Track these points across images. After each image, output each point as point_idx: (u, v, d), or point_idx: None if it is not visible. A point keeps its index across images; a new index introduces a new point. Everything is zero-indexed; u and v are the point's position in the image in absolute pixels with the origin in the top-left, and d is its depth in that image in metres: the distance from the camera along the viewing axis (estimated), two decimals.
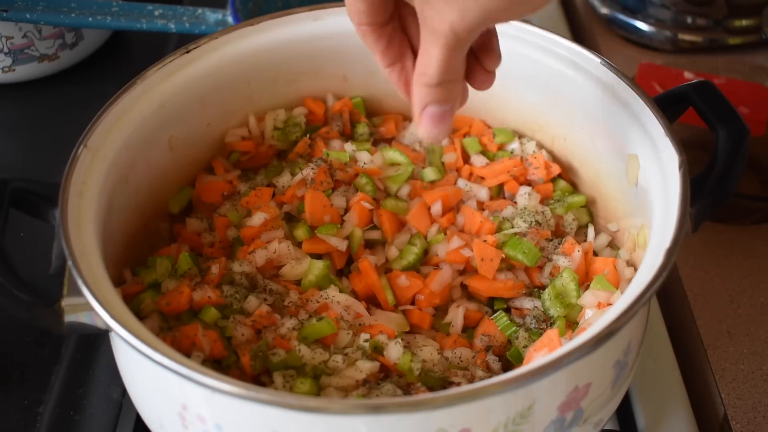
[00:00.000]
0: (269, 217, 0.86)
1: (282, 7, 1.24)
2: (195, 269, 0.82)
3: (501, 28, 0.90)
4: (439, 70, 0.64)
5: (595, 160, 0.89)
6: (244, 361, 0.74)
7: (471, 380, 0.77)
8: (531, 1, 0.60)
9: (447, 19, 0.60)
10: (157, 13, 1.15)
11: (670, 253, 0.67)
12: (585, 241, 0.88)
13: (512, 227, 0.88)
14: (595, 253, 0.87)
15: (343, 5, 0.92)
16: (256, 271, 0.83)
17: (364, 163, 0.92)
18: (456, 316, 0.84)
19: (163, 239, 0.90)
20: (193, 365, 0.62)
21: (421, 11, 0.62)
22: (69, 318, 0.70)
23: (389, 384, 0.74)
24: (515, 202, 0.91)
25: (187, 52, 0.87)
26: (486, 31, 0.68)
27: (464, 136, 0.98)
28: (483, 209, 0.92)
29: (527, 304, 0.85)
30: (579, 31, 1.50)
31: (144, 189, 0.86)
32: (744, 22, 1.34)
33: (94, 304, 0.65)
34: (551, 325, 0.82)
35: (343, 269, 0.89)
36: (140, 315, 0.77)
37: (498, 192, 0.94)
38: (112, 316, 0.64)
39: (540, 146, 0.95)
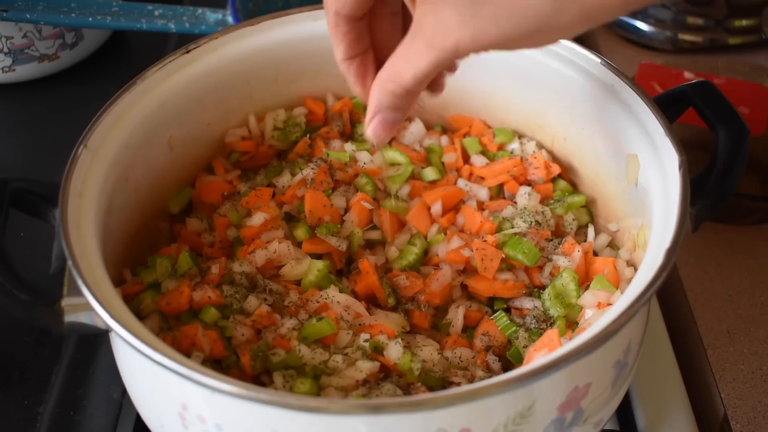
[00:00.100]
0: (269, 217, 0.86)
1: (282, 7, 1.24)
2: (195, 269, 0.82)
3: None
4: (415, 80, 0.62)
5: (595, 160, 0.89)
6: (244, 361, 0.74)
7: (471, 380, 0.77)
8: (552, 33, 0.58)
9: (453, 35, 0.58)
10: (157, 13, 1.15)
11: (670, 253, 0.67)
12: (585, 241, 0.88)
13: (512, 227, 0.88)
14: (595, 253, 0.87)
15: None
16: (256, 271, 0.83)
17: (364, 163, 0.92)
18: (456, 316, 0.84)
19: (163, 239, 0.90)
20: (193, 365, 0.62)
21: (420, 19, 0.60)
22: (69, 318, 0.70)
23: (389, 384, 0.74)
24: (515, 202, 0.91)
25: (187, 52, 0.87)
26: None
27: (464, 136, 0.98)
28: (483, 209, 0.92)
29: (527, 304, 0.85)
30: None
31: (144, 189, 0.86)
32: (744, 22, 1.34)
33: (94, 304, 0.65)
34: (551, 325, 0.82)
35: (343, 269, 0.89)
36: (140, 315, 0.77)
37: (498, 192, 0.94)
38: (112, 316, 0.64)
39: (540, 146, 0.95)
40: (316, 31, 0.93)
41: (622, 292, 0.78)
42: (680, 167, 0.74)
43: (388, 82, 0.64)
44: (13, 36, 1.24)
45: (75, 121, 0.84)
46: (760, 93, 1.13)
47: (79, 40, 1.31)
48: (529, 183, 0.93)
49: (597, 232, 0.89)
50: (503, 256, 0.85)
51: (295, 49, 0.93)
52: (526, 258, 0.85)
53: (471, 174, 0.95)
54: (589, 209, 0.92)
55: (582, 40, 1.45)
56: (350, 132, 0.98)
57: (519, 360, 0.80)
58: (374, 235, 0.90)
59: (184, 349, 0.74)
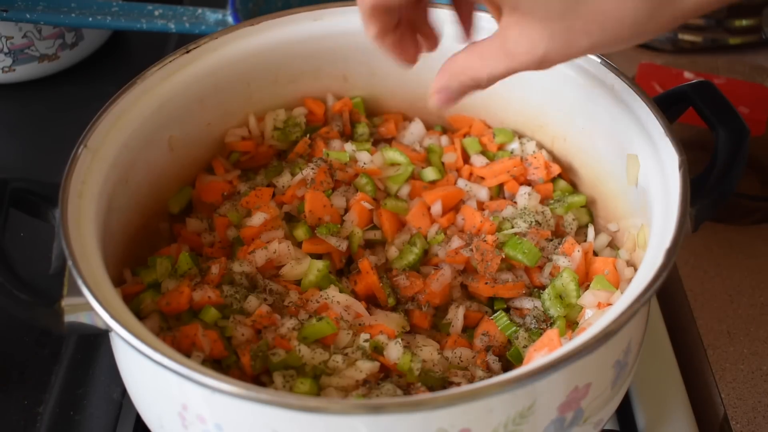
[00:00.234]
0: (269, 217, 0.86)
1: (282, 7, 1.24)
2: (195, 269, 0.82)
3: None
4: (490, 80, 0.65)
5: (595, 160, 0.89)
6: (244, 361, 0.74)
7: (471, 380, 0.77)
8: (644, 36, 0.57)
9: (540, 50, 0.58)
10: (157, 13, 1.15)
11: (670, 253, 0.67)
12: (585, 241, 0.88)
13: (512, 227, 0.88)
14: (595, 253, 0.87)
15: (343, 5, 0.92)
16: (256, 271, 0.83)
17: (364, 163, 0.92)
18: (456, 316, 0.84)
19: (163, 239, 0.90)
20: (193, 365, 0.62)
21: (505, 28, 0.61)
22: (69, 318, 0.70)
23: (389, 384, 0.74)
24: (515, 202, 0.91)
25: (187, 52, 0.87)
26: None
27: (464, 136, 0.98)
28: (483, 209, 0.92)
29: (527, 304, 0.85)
30: None
31: (144, 189, 0.86)
32: (744, 22, 1.34)
33: (94, 304, 0.65)
34: (551, 325, 0.82)
35: (343, 269, 0.89)
36: (140, 315, 0.77)
37: (498, 192, 0.94)
38: (112, 316, 0.64)
39: (540, 146, 0.95)
40: (316, 31, 0.93)
41: (622, 292, 0.78)
42: (680, 167, 0.74)
43: (462, 74, 0.67)
44: (13, 36, 1.24)
45: (75, 121, 0.84)
46: (760, 93, 1.13)
47: (79, 40, 1.31)
48: (529, 183, 0.93)
49: (597, 232, 0.89)
50: (503, 256, 0.85)
51: (295, 49, 0.93)
52: (526, 258, 0.85)
53: (471, 174, 0.95)
54: (589, 209, 0.92)
55: None
56: (350, 132, 0.98)
57: (519, 360, 0.80)
58: (374, 235, 0.90)
59: (184, 349, 0.74)
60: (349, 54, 0.95)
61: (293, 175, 0.91)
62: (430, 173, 0.94)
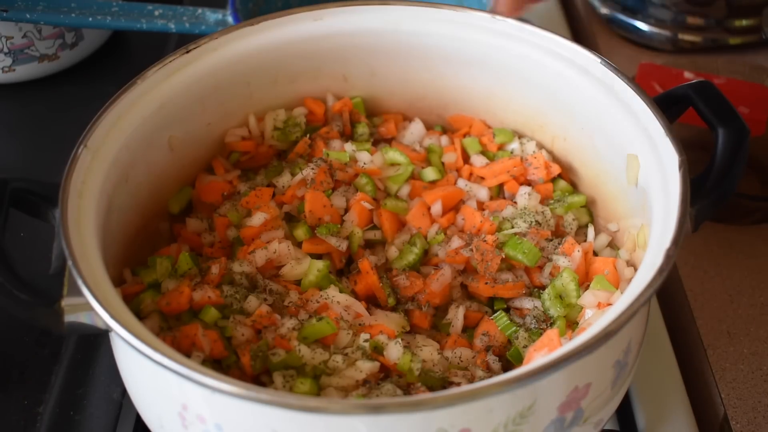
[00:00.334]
0: (269, 217, 0.86)
1: (282, 7, 1.24)
2: (195, 269, 0.82)
3: (500, 28, 0.90)
4: None
5: (595, 160, 0.89)
6: (244, 361, 0.74)
7: (471, 380, 0.77)
8: None
9: None
10: (157, 13, 1.15)
11: (670, 253, 0.67)
12: (585, 241, 0.88)
13: (512, 227, 0.88)
14: (595, 253, 0.87)
15: (343, 5, 0.92)
16: (256, 271, 0.83)
17: (364, 163, 0.92)
18: (456, 316, 0.84)
19: (163, 239, 0.90)
20: (193, 365, 0.62)
21: None
22: (69, 318, 0.70)
23: (389, 384, 0.74)
24: (515, 202, 0.91)
25: (187, 52, 0.87)
26: None
27: (464, 136, 0.98)
28: (483, 209, 0.92)
29: (527, 304, 0.85)
30: (579, 31, 1.50)
31: (144, 189, 0.86)
32: (744, 22, 1.34)
33: (94, 304, 0.65)
34: (551, 325, 0.82)
35: (343, 269, 0.89)
36: (140, 315, 0.77)
37: (498, 192, 0.94)
38: (112, 316, 0.64)
39: (540, 146, 0.95)
40: (316, 31, 0.93)
41: (622, 292, 0.78)
42: (680, 167, 0.74)
43: None
44: (13, 36, 1.24)
45: (75, 121, 0.84)
46: (760, 93, 1.13)
47: (79, 40, 1.31)
48: (529, 183, 0.93)
49: (597, 232, 0.89)
50: (503, 256, 0.85)
51: (295, 49, 0.93)
52: (526, 258, 0.85)
53: (471, 174, 0.95)
54: (589, 209, 0.92)
55: (582, 40, 1.46)
56: (350, 132, 0.98)
57: (519, 360, 0.80)
58: (374, 235, 0.90)
59: (184, 349, 0.74)
60: (349, 54, 0.95)
61: (293, 175, 0.91)
62: (430, 173, 0.94)
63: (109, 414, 0.90)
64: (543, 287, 0.86)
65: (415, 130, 0.99)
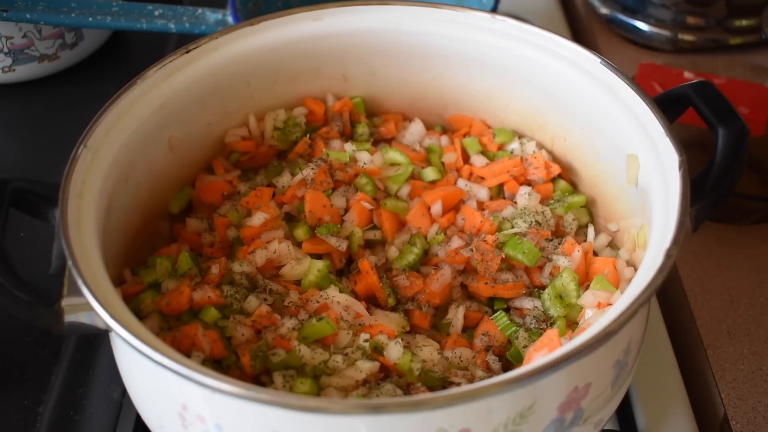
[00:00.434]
0: (269, 217, 0.86)
1: (282, 7, 1.24)
2: (195, 269, 0.82)
3: (500, 28, 0.90)
4: None
5: (595, 160, 0.89)
6: (244, 361, 0.74)
7: (471, 380, 0.77)
8: None
9: None
10: (157, 13, 1.15)
11: (670, 253, 0.67)
12: (585, 241, 0.88)
13: (512, 227, 0.88)
14: (595, 253, 0.87)
15: (343, 5, 0.92)
16: (256, 271, 0.83)
17: (364, 163, 0.92)
18: (456, 316, 0.84)
19: (163, 239, 0.90)
20: (193, 365, 0.62)
21: None
22: (69, 318, 0.70)
23: (389, 384, 0.74)
24: (515, 202, 0.91)
25: (187, 52, 0.87)
26: None
27: (464, 136, 0.98)
28: (483, 209, 0.92)
29: (527, 304, 0.85)
30: (579, 31, 1.50)
31: (144, 189, 0.86)
32: (744, 22, 1.34)
33: (94, 304, 0.65)
34: (551, 325, 0.82)
35: (343, 269, 0.89)
36: (140, 315, 0.77)
37: (498, 192, 0.94)
38: (112, 316, 0.64)
39: (540, 146, 0.95)
40: (316, 31, 0.93)
41: (622, 292, 0.78)
42: (680, 167, 0.74)
43: None
44: (13, 36, 1.23)
45: (75, 121, 0.84)
46: (760, 93, 1.13)
47: (79, 40, 1.31)
48: (529, 183, 0.93)
49: (597, 232, 0.89)
50: (503, 256, 0.85)
51: (295, 49, 0.93)
52: (526, 258, 0.85)
53: (471, 174, 0.95)
54: (589, 209, 0.92)
55: (582, 40, 1.46)
56: (350, 132, 0.98)
57: (519, 360, 0.80)
58: (374, 235, 0.90)
59: (184, 349, 0.74)
60: (349, 54, 0.95)
61: (293, 175, 0.91)
62: (430, 173, 0.94)
63: (109, 414, 0.90)
64: (543, 287, 0.86)
65: (415, 130, 0.99)
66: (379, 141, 0.99)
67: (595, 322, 0.67)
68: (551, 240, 0.88)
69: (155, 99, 0.84)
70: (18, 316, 0.71)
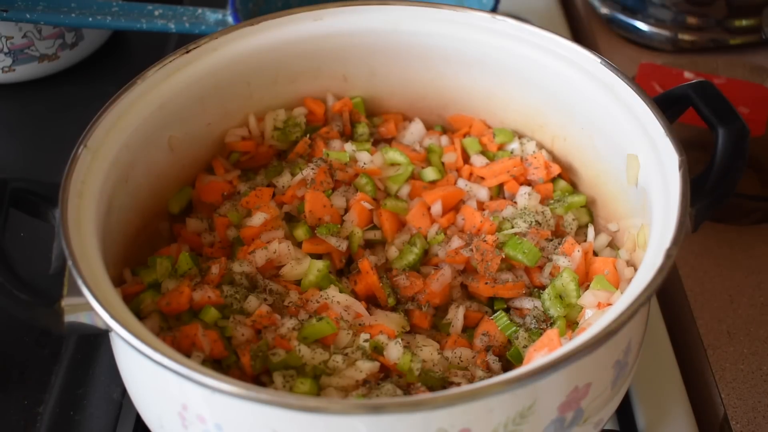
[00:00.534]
0: (269, 217, 0.86)
1: (282, 7, 1.24)
2: (195, 269, 0.82)
3: (501, 28, 0.90)
4: None
5: (595, 160, 0.89)
6: (244, 361, 0.74)
7: (471, 380, 0.77)
8: None
9: None
10: (157, 13, 1.15)
11: (670, 253, 0.67)
12: (585, 241, 0.88)
13: (512, 227, 0.88)
14: (595, 253, 0.87)
15: (343, 5, 0.92)
16: (256, 271, 0.83)
17: (364, 163, 0.92)
18: (456, 316, 0.84)
19: (163, 239, 0.90)
20: (193, 365, 0.62)
21: None
22: (69, 318, 0.70)
23: (389, 384, 0.74)
24: (515, 202, 0.91)
25: (187, 52, 0.87)
26: None
27: (464, 136, 0.98)
28: (483, 209, 0.92)
29: (527, 304, 0.85)
30: (579, 31, 1.50)
31: (144, 189, 0.86)
32: (744, 22, 1.34)
33: (94, 304, 0.65)
34: (551, 325, 0.82)
35: (343, 269, 0.89)
36: (140, 315, 0.77)
37: (498, 192, 0.94)
38: (112, 316, 0.64)
39: (540, 146, 0.95)
40: (316, 31, 0.93)
41: (622, 292, 0.78)
42: (680, 167, 0.74)
43: None
44: (13, 36, 1.23)
45: (75, 121, 0.84)
46: (760, 93, 1.13)
47: (79, 40, 1.31)
48: (529, 183, 0.93)
49: (597, 232, 0.89)
50: (503, 256, 0.85)
51: (295, 49, 0.93)
52: (526, 258, 0.85)
53: (471, 174, 0.95)
54: (589, 209, 0.92)
55: (582, 40, 1.46)
56: (350, 132, 0.98)
57: (519, 360, 0.80)
58: (374, 235, 0.90)
59: (184, 349, 0.74)
60: (349, 54, 0.95)
61: (293, 175, 0.91)
62: (430, 173, 0.94)
63: (109, 414, 0.90)
64: (543, 287, 0.86)
65: (415, 130, 0.99)
66: (379, 141, 0.99)
67: (595, 322, 0.67)
68: (551, 240, 0.88)
69: (155, 99, 0.84)
70: (18, 316, 0.71)
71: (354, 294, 0.85)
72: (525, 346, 0.80)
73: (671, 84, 1.07)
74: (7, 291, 0.69)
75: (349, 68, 0.97)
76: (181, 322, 0.77)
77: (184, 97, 0.87)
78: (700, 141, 1.05)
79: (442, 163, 0.96)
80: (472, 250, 0.86)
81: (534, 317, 0.83)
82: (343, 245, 0.87)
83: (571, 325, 0.81)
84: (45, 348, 0.96)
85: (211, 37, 0.89)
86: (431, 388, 0.76)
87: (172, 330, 0.75)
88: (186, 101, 0.88)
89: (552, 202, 0.91)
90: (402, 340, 0.78)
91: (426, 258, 0.89)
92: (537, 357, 0.73)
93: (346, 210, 0.90)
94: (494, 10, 1.18)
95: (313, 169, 0.89)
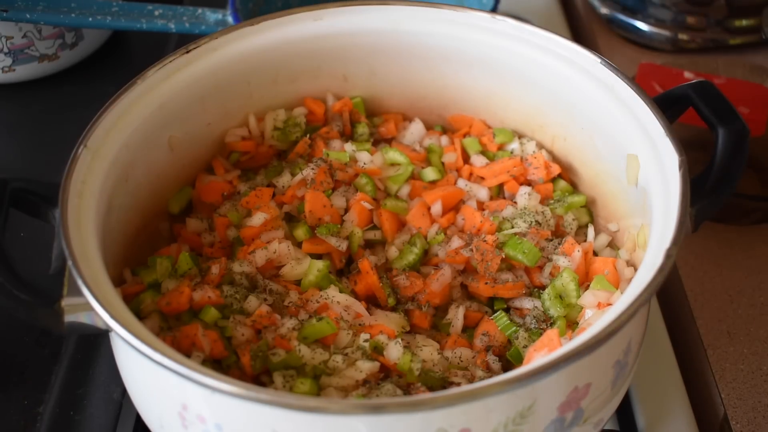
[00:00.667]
0: (269, 217, 0.86)
1: (282, 7, 1.24)
2: (195, 269, 0.82)
3: (501, 28, 0.90)
4: None
5: (595, 160, 0.89)
6: (244, 361, 0.74)
7: (471, 380, 0.77)
8: None
9: None
10: (157, 13, 1.15)
11: (670, 253, 0.67)
12: (585, 241, 0.88)
13: (512, 227, 0.88)
14: (595, 253, 0.87)
15: (343, 5, 0.92)
16: (256, 271, 0.83)
17: (364, 163, 0.92)
18: (456, 316, 0.84)
19: (163, 239, 0.90)
20: (193, 365, 0.62)
21: None
22: (69, 318, 0.70)
23: (389, 384, 0.74)
24: (515, 202, 0.91)
25: (187, 52, 0.87)
26: None
27: (464, 136, 0.98)
28: (483, 209, 0.92)
29: (527, 304, 0.85)
30: (579, 31, 1.50)
31: (144, 189, 0.86)
32: (744, 22, 1.34)
33: (94, 304, 0.65)
34: (551, 325, 0.82)
35: (343, 269, 0.89)
36: (140, 315, 0.77)
37: (498, 192, 0.94)
38: (112, 316, 0.64)
39: (540, 146, 0.95)
40: (316, 31, 0.93)
41: (622, 292, 0.78)
42: (680, 167, 0.74)
43: None
44: (13, 36, 1.23)
45: (75, 121, 0.84)
46: (760, 93, 1.13)
47: (79, 40, 1.31)
48: (529, 183, 0.93)
49: (597, 232, 0.89)
50: (503, 256, 0.85)
51: (295, 49, 0.93)
52: (526, 258, 0.85)
53: (471, 174, 0.95)
54: (589, 209, 0.92)
55: (582, 40, 1.46)
56: (350, 132, 0.98)
57: (519, 360, 0.80)
58: (374, 235, 0.90)
59: (184, 349, 0.74)
60: (349, 54, 0.95)
61: (293, 175, 0.91)
62: (430, 173, 0.94)
63: (109, 414, 0.90)
64: (543, 287, 0.86)
65: (415, 130, 0.99)
66: (379, 141, 0.99)
67: (595, 322, 0.67)
68: (551, 240, 0.88)
69: (155, 99, 0.84)
70: (18, 316, 0.71)
71: (354, 294, 0.85)
72: (525, 346, 0.80)
73: (671, 84, 1.07)
74: (7, 291, 0.69)
75: (349, 68, 0.97)
76: (181, 322, 0.77)
77: (184, 97, 0.87)
78: (700, 141, 1.05)
79: (442, 163, 0.96)
80: (472, 250, 0.86)
81: (534, 317, 0.83)
82: (343, 245, 0.87)
83: (571, 325, 0.81)
84: (45, 348, 0.96)
85: (211, 37, 0.89)
86: (431, 388, 0.76)
87: (172, 330, 0.75)
88: (186, 101, 0.88)
89: (552, 202, 0.91)
90: (402, 340, 0.78)
91: (426, 258, 0.89)
92: (537, 357, 0.73)
93: (346, 210, 0.90)
94: (494, 10, 1.18)
95: (313, 169, 0.89)
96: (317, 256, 0.87)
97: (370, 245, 0.91)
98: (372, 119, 1.00)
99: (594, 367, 0.69)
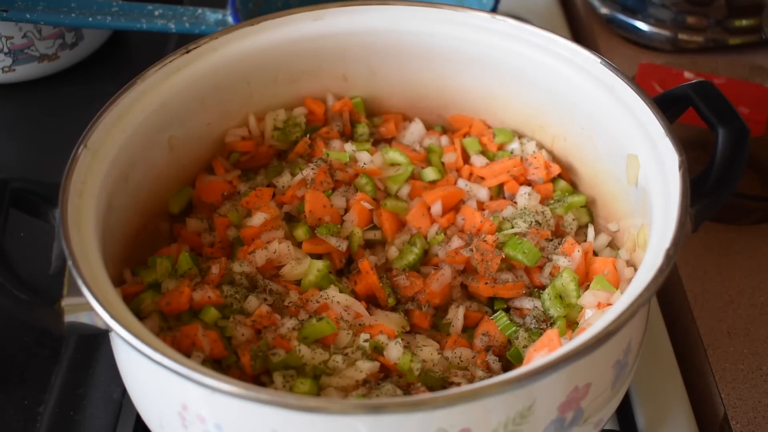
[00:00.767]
0: (269, 217, 0.86)
1: (282, 7, 1.24)
2: (195, 269, 0.82)
3: (500, 28, 0.90)
4: None
5: (595, 160, 0.89)
6: (244, 361, 0.74)
7: (471, 380, 0.77)
8: None
9: None
10: (157, 13, 1.15)
11: (670, 253, 0.67)
12: (585, 241, 0.88)
13: (512, 227, 0.88)
14: (595, 253, 0.87)
15: (343, 5, 0.92)
16: (256, 271, 0.83)
17: (364, 163, 0.92)
18: (456, 316, 0.84)
19: (163, 239, 0.90)
20: (193, 365, 0.62)
21: None
22: (69, 318, 0.70)
23: (389, 384, 0.74)
24: (515, 202, 0.91)
25: (187, 52, 0.87)
26: None
27: (464, 136, 0.98)
28: (483, 209, 0.92)
29: (527, 304, 0.85)
30: (579, 31, 1.50)
31: (144, 189, 0.86)
32: (744, 22, 1.34)
33: (94, 304, 0.65)
34: (551, 325, 0.82)
35: (343, 269, 0.89)
36: (140, 315, 0.77)
37: (498, 192, 0.94)
38: (112, 316, 0.64)
39: (540, 146, 0.95)
40: (316, 31, 0.93)
41: (622, 292, 0.78)
42: (680, 167, 0.74)
43: None
44: (13, 36, 1.23)
45: (75, 121, 0.84)
46: (760, 93, 1.13)
47: (79, 40, 1.31)
48: (529, 183, 0.93)
49: (597, 232, 0.89)
50: (503, 256, 0.85)
51: (295, 49, 0.93)
52: (526, 258, 0.85)
53: (471, 174, 0.95)
54: (589, 209, 0.92)
55: (582, 40, 1.46)
56: (350, 132, 0.98)
57: (519, 360, 0.80)
58: (374, 235, 0.90)
59: (184, 349, 0.74)
60: (349, 54, 0.95)
61: (293, 175, 0.91)
62: (430, 173, 0.94)
63: (109, 414, 0.90)
64: (543, 287, 0.86)
65: (415, 130, 0.99)
66: (379, 141, 0.99)
67: (595, 322, 0.67)
68: (551, 240, 0.88)
69: (155, 99, 0.84)
70: (18, 316, 0.71)
71: (354, 294, 0.85)
72: (525, 346, 0.80)
73: (671, 84, 1.07)
74: (7, 291, 0.69)
75: (349, 68, 0.97)
76: (181, 322, 0.77)
77: (184, 97, 0.87)
78: (700, 141, 1.05)
79: (442, 163, 0.96)
80: (472, 250, 0.86)
81: (534, 317, 0.83)
82: (343, 245, 0.87)
83: (571, 325, 0.81)
84: (45, 348, 0.97)
85: (211, 37, 0.89)
86: (431, 388, 0.76)
87: (172, 330, 0.75)
88: (186, 101, 0.88)
89: (552, 202, 0.91)
90: (402, 340, 0.78)
91: (426, 258, 0.89)
92: (537, 357, 0.73)
93: (346, 210, 0.90)
94: (494, 10, 1.18)
95: (313, 169, 0.89)
96: (317, 256, 0.87)
97: (370, 245, 0.91)
98: (372, 119, 1.00)
99: (594, 367, 0.69)
